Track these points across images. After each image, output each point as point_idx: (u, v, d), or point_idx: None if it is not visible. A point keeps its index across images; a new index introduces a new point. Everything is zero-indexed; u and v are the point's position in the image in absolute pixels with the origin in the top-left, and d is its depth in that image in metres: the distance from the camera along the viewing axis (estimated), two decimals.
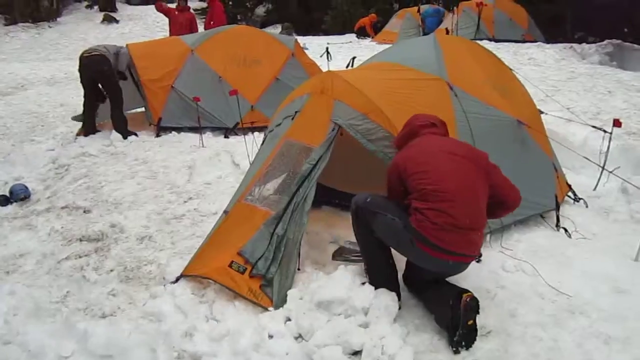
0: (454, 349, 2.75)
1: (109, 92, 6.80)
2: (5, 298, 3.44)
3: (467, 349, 2.75)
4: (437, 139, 3.09)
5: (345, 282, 3.05)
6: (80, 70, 6.83)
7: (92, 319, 3.22)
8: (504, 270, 3.53)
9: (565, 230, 4.14)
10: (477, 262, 3.58)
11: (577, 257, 3.74)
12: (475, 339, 2.78)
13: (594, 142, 5.56)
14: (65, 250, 4.13)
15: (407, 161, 2.93)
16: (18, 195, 5.24)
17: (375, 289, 3.01)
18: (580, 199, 4.70)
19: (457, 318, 2.74)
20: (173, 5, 10.32)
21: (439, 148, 2.98)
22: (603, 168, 4.90)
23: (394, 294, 2.99)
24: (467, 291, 2.82)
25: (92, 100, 6.89)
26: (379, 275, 3.10)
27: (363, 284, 3.05)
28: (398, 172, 2.94)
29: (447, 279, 3.09)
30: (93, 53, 6.73)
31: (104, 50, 6.78)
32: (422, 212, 2.76)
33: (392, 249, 3.09)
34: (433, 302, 2.99)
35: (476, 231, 2.89)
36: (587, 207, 4.63)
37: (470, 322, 2.74)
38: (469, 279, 3.37)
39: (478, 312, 2.78)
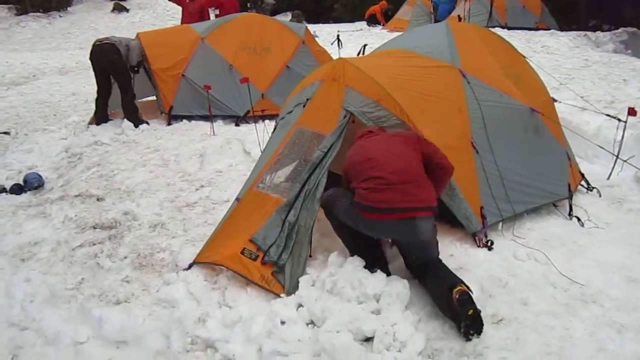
0: (465, 338, 2.75)
1: (119, 81, 6.84)
2: (21, 285, 3.50)
3: (477, 336, 2.74)
4: (370, 138, 3.32)
5: (357, 269, 3.06)
6: (91, 59, 6.87)
7: (106, 306, 3.26)
8: (516, 259, 3.51)
9: (578, 219, 4.10)
10: (489, 250, 3.58)
11: (590, 246, 3.72)
12: (482, 324, 2.76)
13: (608, 130, 5.49)
14: (79, 237, 4.18)
15: (346, 165, 3.25)
16: (32, 183, 5.30)
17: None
18: (593, 188, 4.66)
19: (455, 313, 2.75)
20: None
21: (368, 141, 3.27)
22: (617, 157, 4.85)
23: (405, 281, 3.00)
24: (455, 285, 2.80)
25: (104, 89, 6.93)
26: (362, 254, 3.22)
27: (375, 271, 3.06)
28: (345, 174, 3.27)
29: (442, 267, 3.10)
30: (104, 42, 6.77)
31: (116, 40, 6.82)
32: (357, 187, 3.05)
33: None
34: (431, 295, 3.00)
35: (410, 183, 2.99)
36: (600, 196, 4.58)
37: (471, 311, 2.73)
38: (481, 267, 3.38)
39: (473, 302, 2.77)
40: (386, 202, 2.93)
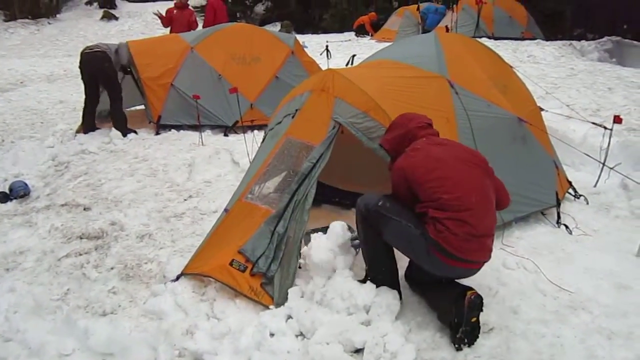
0: (457, 345, 2.74)
1: (109, 90, 6.80)
2: (5, 295, 3.44)
3: (469, 346, 2.74)
4: (439, 143, 2.99)
5: (347, 280, 3.04)
6: (80, 67, 6.83)
7: (92, 317, 3.21)
8: (505, 267, 3.52)
9: (566, 226, 4.14)
10: None
11: (578, 254, 3.75)
12: (477, 336, 2.78)
13: (594, 138, 5.56)
14: (65, 247, 4.12)
15: (416, 168, 2.81)
16: (18, 192, 5.23)
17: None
18: (580, 195, 4.70)
19: (460, 315, 2.73)
20: (171, 3, 10.22)
21: (446, 154, 2.88)
22: (603, 164, 4.90)
23: (395, 291, 2.98)
24: (471, 289, 2.81)
25: (92, 97, 6.88)
26: (384, 277, 3.04)
27: (364, 281, 3.05)
28: (406, 179, 2.82)
29: None
30: (94, 49, 6.74)
31: (105, 47, 6.79)
32: (441, 222, 2.67)
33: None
34: (436, 299, 2.98)
35: (491, 237, 2.86)
36: (587, 203, 4.63)
37: (474, 319, 2.74)
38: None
39: (482, 310, 2.78)
40: (467, 252, 2.72)
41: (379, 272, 3.06)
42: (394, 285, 3.05)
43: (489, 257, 2.90)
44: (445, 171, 2.78)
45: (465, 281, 3.18)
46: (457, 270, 2.85)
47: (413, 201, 2.84)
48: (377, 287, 2.98)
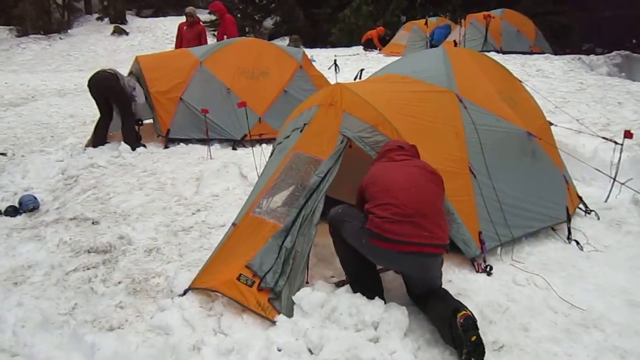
0: None
1: (119, 107, 6.87)
2: (13, 309, 3.43)
3: None
4: (396, 160, 3.21)
5: (355, 296, 3.02)
6: (89, 85, 6.92)
7: (99, 332, 3.20)
8: (515, 284, 3.48)
9: (577, 242, 4.09)
10: (488, 275, 3.55)
11: (590, 270, 3.70)
12: (484, 352, 2.71)
13: (605, 153, 5.50)
14: (74, 261, 4.12)
15: (366, 179, 3.16)
16: (27, 205, 5.26)
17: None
18: (591, 211, 4.65)
19: (457, 338, 2.70)
20: (181, 18, 10.33)
21: (397, 165, 3.17)
22: (614, 180, 4.85)
23: (404, 308, 2.95)
24: (460, 310, 2.76)
25: (105, 113, 6.96)
26: (357, 282, 3.15)
27: (373, 298, 3.02)
28: (361, 188, 3.18)
29: (445, 293, 3.07)
30: (104, 69, 6.85)
31: (116, 71, 6.90)
32: (371, 212, 2.95)
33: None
34: (433, 320, 2.96)
35: (426, 217, 2.91)
36: (598, 219, 4.58)
37: (473, 337, 2.69)
38: (480, 292, 3.34)
39: (477, 328, 2.73)
40: (399, 234, 2.85)
41: (353, 278, 3.21)
42: (370, 291, 3.08)
43: (432, 239, 2.91)
44: (384, 175, 3.10)
45: (475, 297, 3.17)
46: (402, 257, 2.93)
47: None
48: (354, 292, 3.07)
